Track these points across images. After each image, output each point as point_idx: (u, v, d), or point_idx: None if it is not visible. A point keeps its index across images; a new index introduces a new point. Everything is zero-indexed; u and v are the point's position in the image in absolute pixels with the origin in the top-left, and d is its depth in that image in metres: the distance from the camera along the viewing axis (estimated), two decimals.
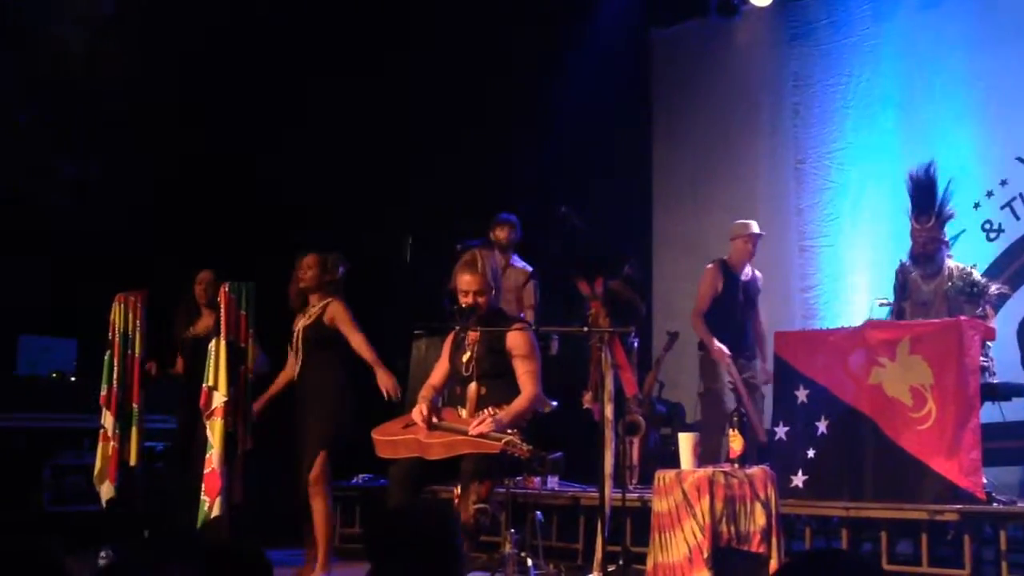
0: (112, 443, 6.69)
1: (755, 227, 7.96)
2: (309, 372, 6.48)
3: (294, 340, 6.55)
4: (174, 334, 7.55)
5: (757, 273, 7.99)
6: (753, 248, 7.92)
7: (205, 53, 9.30)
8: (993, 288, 6.84)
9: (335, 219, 9.02)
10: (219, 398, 6.17)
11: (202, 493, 6.10)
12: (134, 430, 6.69)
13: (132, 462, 6.65)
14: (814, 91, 9.41)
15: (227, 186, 9.24)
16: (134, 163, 9.31)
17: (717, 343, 7.64)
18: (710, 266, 7.96)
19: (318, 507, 6.33)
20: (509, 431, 5.23)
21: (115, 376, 6.72)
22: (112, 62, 9.30)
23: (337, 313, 6.47)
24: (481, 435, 5.23)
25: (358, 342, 6.42)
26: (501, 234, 8.15)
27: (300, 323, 6.55)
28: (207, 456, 6.14)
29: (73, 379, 8.12)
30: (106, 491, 6.71)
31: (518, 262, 8.22)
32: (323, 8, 9.63)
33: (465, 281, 5.56)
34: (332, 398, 6.40)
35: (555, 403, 5.82)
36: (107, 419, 6.74)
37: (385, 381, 6.30)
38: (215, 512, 6.07)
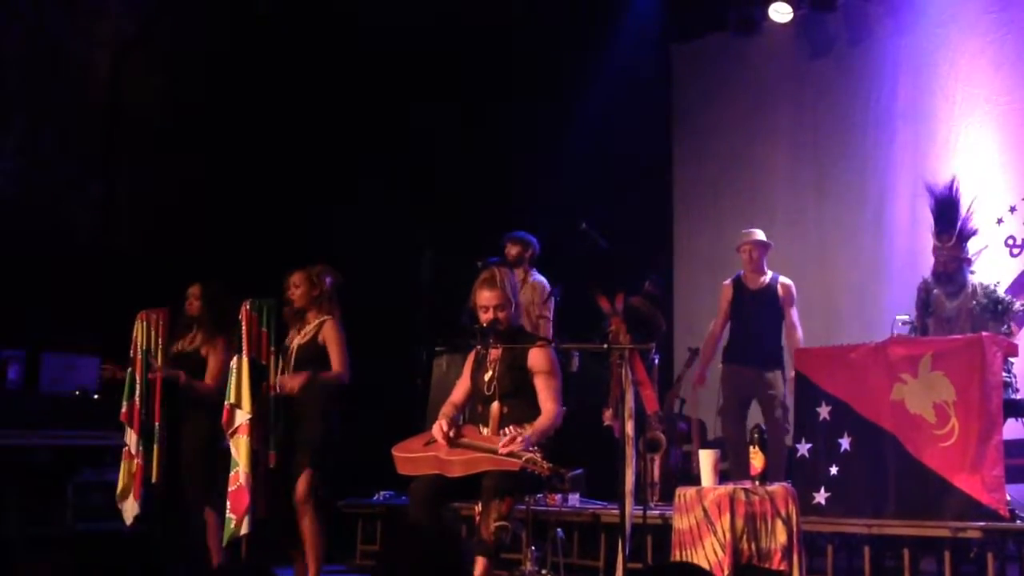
0: (136, 460, 6.70)
1: (750, 235, 7.93)
2: (299, 391, 6.39)
3: (287, 355, 6.47)
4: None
5: (783, 280, 7.86)
6: (750, 256, 7.88)
7: (227, 71, 9.37)
8: (1018, 304, 6.82)
9: (355, 235, 9.04)
10: (242, 416, 6.18)
11: (227, 511, 6.12)
12: (156, 448, 6.71)
13: (154, 479, 6.67)
14: (834, 106, 9.40)
15: (247, 203, 9.28)
16: (159, 182, 9.37)
17: (700, 369, 7.92)
18: (724, 283, 8.01)
19: (307, 526, 6.25)
20: (531, 448, 5.24)
21: (137, 394, 6.73)
22: (136, 83, 9.39)
23: (327, 332, 6.41)
24: (512, 454, 5.23)
25: (337, 362, 6.36)
26: (511, 251, 8.16)
27: (295, 341, 6.45)
28: (231, 474, 6.15)
29: (96, 396, 8.15)
30: (129, 509, 6.72)
31: (537, 277, 8.22)
32: (341, 19, 9.69)
33: (485, 297, 5.57)
34: (320, 418, 6.33)
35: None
36: (130, 437, 6.74)
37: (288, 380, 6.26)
38: (243, 530, 6.08)
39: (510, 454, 5.17)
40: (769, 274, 7.89)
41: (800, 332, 7.76)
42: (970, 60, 8.74)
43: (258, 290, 6.52)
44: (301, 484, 6.24)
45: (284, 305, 6.54)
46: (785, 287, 7.87)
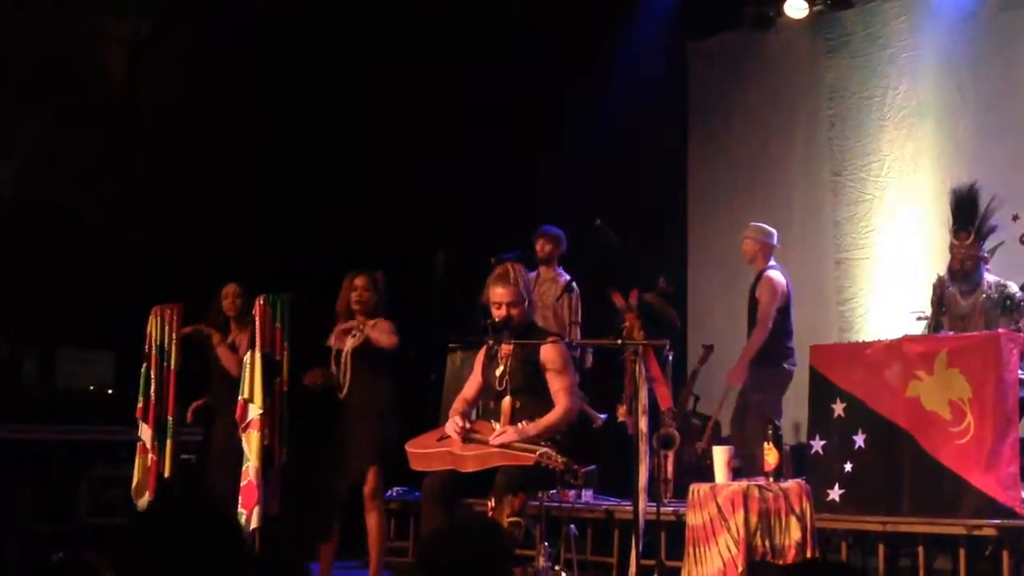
0: (151, 455, 6.72)
1: (745, 231, 7.90)
2: (358, 391, 6.41)
3: (343, 359, 6.47)
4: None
5: (766, 274, 7.70)
6: (743, 250, 7.85)
7: (241, 69, 9.39)
8: None
9: (369, 232, 9.05)
10: (255, 411, 6.19)
11: (239, 505, 6.14)
12: (169, 442, 6.73)
13: (167, 474, 6.69)
14: (850, 103, 9.35)
15: (261, 200, 9.30)
16: (174, 181, 9.40)
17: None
18: None
19: (373, 521, 6.32)
20: (543, 443, 5.23)
21: (152, 388, 6.75)
22: (151, 80, 9.41)
23: (381, 325, 6.43)
24: (506, 445, 5.23)
25: (388, 340, 6.40)
26: (545, 247, 8.11)
27: (348, 344, 6.46)
28: (243, 468, 6.17)
29: (110, 392, 8.18)
30: (145, 504, 6.75)
31: (564, 277, 8.16)
32: (355, 15, 9.70)
33: (498, 293, 5.57)
34: (382, 415, 6.36)
35: (604, 416, 5.79)
36: (145, 432, 6.77)
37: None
38: (252, 525, 6.09)
39: (510, 446, 5.18)
40: (765, 269, 7.77)
41: (761, 330, 7.55)
42: (987, 57, 8.69)
43: (272, 286, 6.53)
44: (370, 480, 6.29)
45: (339, 302, 6.55)
46: (763, 281, 7.69)
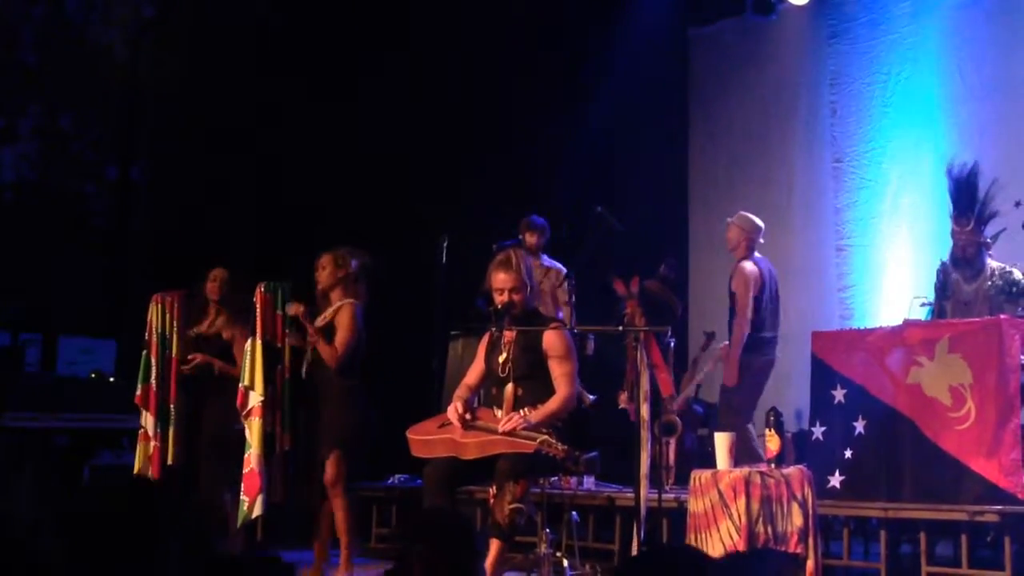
0: (153, 443, 6.71)
1: (733, 218, 7.79)
2: (320, 373, 6.32)
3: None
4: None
5: (740, 265, 7.56)
6: (727, 236, 7.71)
7: (243, 54, 9.37)
8: None
9: (372, 220, 9.04)
10: (255, 398, 6.18)
11: (241, 493, 6.13)
12: (172, 430, 6.73)
13: (170, 461, 6.69)
14: (852, 89, 9.35)
15: (264, 187, 9.29)
16: (177, 167, 9.39)
17: None
18: None
19: (337, 508, 6.20)
20: (544, 430, 5.23)
21: (153, 376, 6.75)
22: (154, 66, 9.40)
23: (341, 316, 6.27)
24: (511, 433, 5.23)
25: (338, 340, 6.21)
26: (530, 240, 8.11)
27: (316, 322, 6.33)
28: (246, 456, 6.16)
29: (112, 379, 8.18)
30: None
31: (548, 262, 8.19)
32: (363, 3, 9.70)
33: (500, 279, 5.56)
34: (343, 399, 6.26)
35: (593, 397, 5.78)
36: (147, 419, 6.76)
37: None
38: (255, 512, 6.09)
39: (515, 433, 5.18)
40: (740, 260, 7.65)
41: (741, 321, 7.43)
42: (987, 43, 8.69)
43: (274, 274, 6.52)
44: (329, 467, 6.17)
45: (314, 287, 6.48)
46: (736, 272, 7.57)
